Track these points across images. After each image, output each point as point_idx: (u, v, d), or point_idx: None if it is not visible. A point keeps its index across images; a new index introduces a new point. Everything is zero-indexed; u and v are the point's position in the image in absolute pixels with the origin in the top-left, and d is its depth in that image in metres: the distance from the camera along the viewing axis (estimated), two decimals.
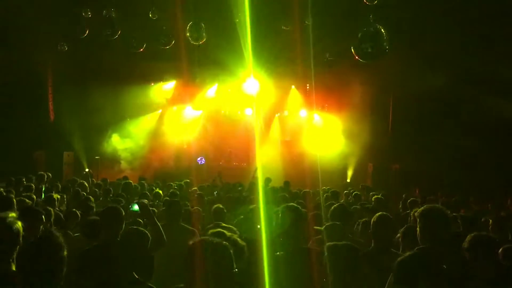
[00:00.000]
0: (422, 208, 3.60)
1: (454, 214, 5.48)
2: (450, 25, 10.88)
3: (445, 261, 2.87)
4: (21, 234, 2.73)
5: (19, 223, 2.74)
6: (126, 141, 18.19)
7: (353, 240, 4.71)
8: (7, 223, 2.65)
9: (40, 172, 11.46)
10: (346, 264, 3.11)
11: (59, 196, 7.98)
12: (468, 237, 3.53)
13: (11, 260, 2.66)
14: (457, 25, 10.91)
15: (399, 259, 2.79)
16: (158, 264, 4.09)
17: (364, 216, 6.19)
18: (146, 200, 5.82)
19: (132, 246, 3.44)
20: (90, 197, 7.76)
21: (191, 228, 5.42)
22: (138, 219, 5.58)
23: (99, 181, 12.34)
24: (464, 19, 10.70)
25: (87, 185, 10.38)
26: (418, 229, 3.47)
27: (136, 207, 5.58)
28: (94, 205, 6.80)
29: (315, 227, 5.06)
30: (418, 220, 3.50)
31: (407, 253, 2.89)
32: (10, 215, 2.75)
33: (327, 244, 3.28)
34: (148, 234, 3.79)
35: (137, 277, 3.21)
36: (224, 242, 2.48)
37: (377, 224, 4.19)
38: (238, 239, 3.28)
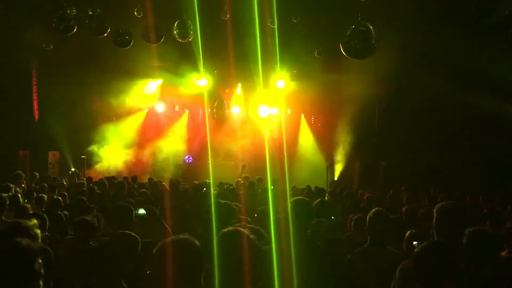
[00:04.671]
0: (440, 204, 3.64)
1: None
2: (439, 25, 10.93)
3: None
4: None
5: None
6: (112, 141, 17.97)
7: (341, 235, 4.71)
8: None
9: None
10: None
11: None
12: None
13: None
14: (447, 25, 10.97)
15: (417, 249, 2.78)
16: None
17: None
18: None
19: (119, 252, 3.20)
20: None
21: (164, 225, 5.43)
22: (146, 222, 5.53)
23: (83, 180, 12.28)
24: (455, 18, 10.76)
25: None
26: (434, 224, 3.53)
27: (142, 211, 5.55)
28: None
29: None
30: (435, 215, 3.55)
31: (423, 244, 2.85)
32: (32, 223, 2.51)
33: None
34: (138, 239, 3.58)
35: (124, 285, 3.08)
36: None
37: (372, 219, 4.11)
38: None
